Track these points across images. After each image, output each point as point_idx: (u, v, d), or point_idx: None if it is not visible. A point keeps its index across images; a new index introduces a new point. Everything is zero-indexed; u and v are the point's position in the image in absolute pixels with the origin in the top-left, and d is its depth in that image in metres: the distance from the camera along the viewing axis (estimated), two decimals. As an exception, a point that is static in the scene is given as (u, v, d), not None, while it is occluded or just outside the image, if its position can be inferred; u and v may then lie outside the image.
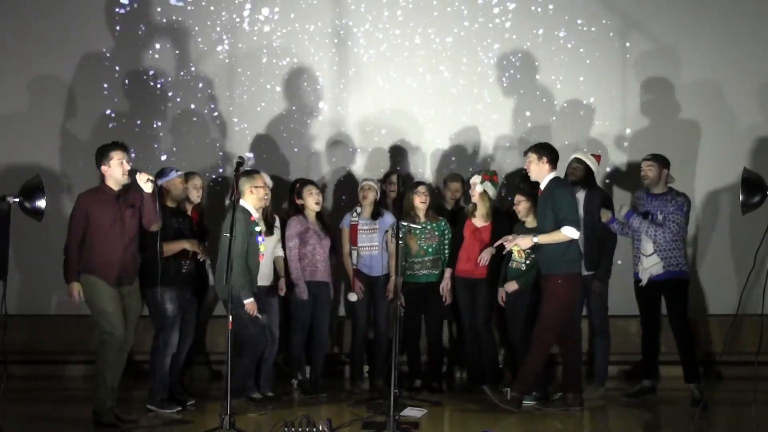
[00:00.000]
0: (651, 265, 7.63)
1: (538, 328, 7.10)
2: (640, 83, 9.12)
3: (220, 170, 9.09)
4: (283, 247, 7.89)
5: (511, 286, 7.64)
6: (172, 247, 7.16)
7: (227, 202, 8.02)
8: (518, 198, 7.75)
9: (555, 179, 7.20)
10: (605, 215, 7.76)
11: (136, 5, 9.14)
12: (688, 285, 7.76)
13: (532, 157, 7.22)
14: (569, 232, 7.03)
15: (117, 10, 9.12)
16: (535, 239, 7.12)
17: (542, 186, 7.23)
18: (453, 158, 9.18)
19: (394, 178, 8.60)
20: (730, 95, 9.08)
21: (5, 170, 8.87)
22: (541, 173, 7.20)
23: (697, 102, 9.11)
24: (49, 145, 9.01)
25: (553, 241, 7.06)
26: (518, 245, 7.34)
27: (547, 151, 7.21)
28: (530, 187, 7.75)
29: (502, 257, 7.79)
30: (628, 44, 9.12)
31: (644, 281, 7.67)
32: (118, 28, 9.12)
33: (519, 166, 9.08)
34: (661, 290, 7.68)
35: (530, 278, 7.60)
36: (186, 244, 7.27)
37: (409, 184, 8.58)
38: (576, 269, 7.17)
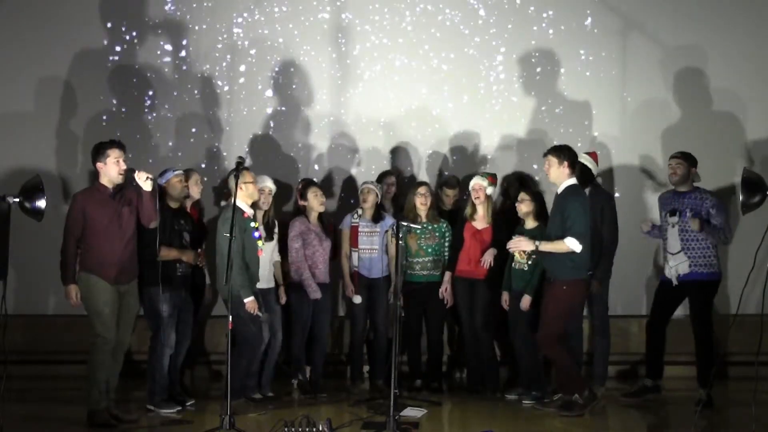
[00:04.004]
0: (677, 264, 7.58)
1: (541, 334, 7.08)
2: (641, 83, 9.11)
3: (220, 171, 9.07)
4: (281, 251, 7.90)
5: (526, 301, 7.56)
6: (168, 254, 7.15)
7: (222, 203, 8.03)
8: (522, 196, 7.73)
9: (571, 187, 7.14)
10: (646, 225, 7.74)
11: (135, 5, 9.13)
12: (716, 287, 7.68)
13: (552, 160, 7.15)
14: (571, 244, 6.98)
15: (117, 10, 9.11)
16: (537, 244, 7.08)
17: (558, 190, 7.20)
18: (452, 159, 9.17)
19: (391, 179, 8.59)
20: (730, 95, 9.07)
21: (5, 170, 8.86)
22: (561, 177, 7.15)
23: (697, 102, 9.10)
24: (49, 145, 9.00)
25: (555, 250, 7.03)
26: (520, 247, 7.28)
27: (567, 154, 7.16)
28: (520, 187, 7.81)
29: (504, 259, 7.79)
30: (628, 44, 9.12)
31: (674, 281, 7.59)
32: (117, 28, 9.10)
33: (518, 167, 9.10)
34: (687, 291, 7.61)
35: (535, 282, 7.57)
36: (182, 256, 7.27)
37: (406, 184, 8.58)
38: (582, 275, 7.14)
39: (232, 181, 7.19)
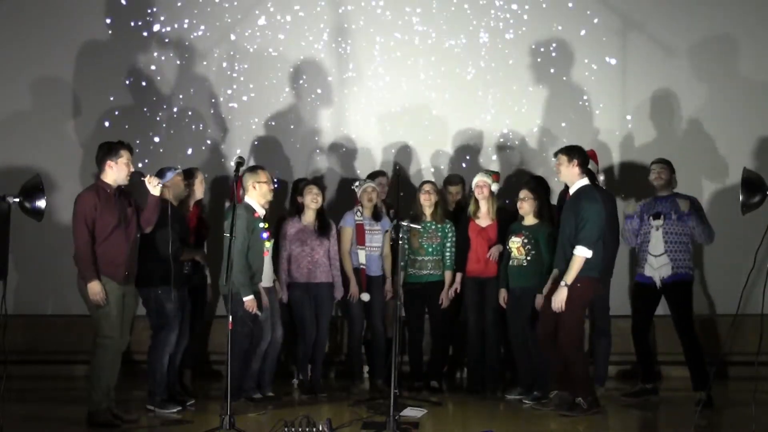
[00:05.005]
0: (661, 266, 7.63)
1: (564, 337, 7.05)
2: (641, 83, 9.11)
3: (220, 169, 9.09)
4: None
5: (540, 300, 7.49)
6: (189, 255, 7.28)
7: (227, 204, 8.02)
8: (524, 193, 7.72)
9: (585, 188, 7.13)
10: (631, 207, 7.81)
11: (136, 5, 9.14)
12: (692, 286, 7.79)
13: (563, 159, 7.15)
14: (581, 252, 6.96)
15: (117, 10, 9.12)
16: (565, 284, 6.98)
17: (571, 191, 7.20)
18: (453, 158, 9.18)
19: (382, 178, 8.59)
20: (729, 95, 9.08)
21: (5, 170, 8.87)
22: (572, 176, 7.15)
23: (697, 102, 9.11)
24: (49, 145, 9.01)
25: (576, 270, 6.97)
26: (561, 302, 7.00)
27: (577, 154, 7.16)
28: (536, 186, 7.80)
29: (507, 257, 7.79)
30: (628, 44, 9.12)
31: (658, 283, 7.64)
32: (118, 28, 9.12)
33: (519, 166, 9.12)
34: (665, 292, 7.67)
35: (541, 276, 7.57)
36: (196, 255, 7.41)
37: (404, 184, 8.58)
38: (595, 273, 7.11)
39: (246, 181, 7.20)
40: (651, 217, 7.72)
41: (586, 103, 9.16)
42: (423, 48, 9.18)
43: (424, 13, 9.19)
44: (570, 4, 9.16)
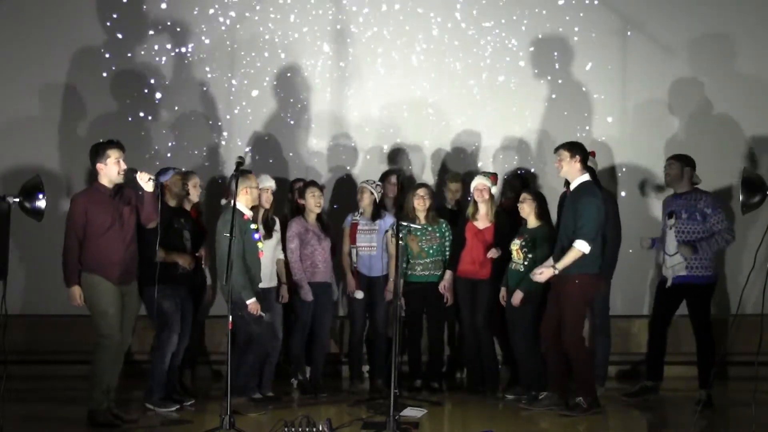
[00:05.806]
0: (674, 264, 7.59)
1: (566, 335, 7.07)
2: (641, 83, 9.11)
3: (220, 172, 9.08)
4: (284, 249, 7.92)
5: (517, 296, 7.59)
6: (166, 257, 7.16)
7: (223, 201, 8.02)
8: (523, 196, 7.74)
9: (585, 184, 7.14)
10: (646, 242, 7.89)
11: (135, 5, 9.13)
12: (714, 289, 7.73)
13: (564, 155, 7.15)
14: (581, 246, 6.98)
15: (117, 12, 9.11)
16: (556, 269, 7.04)
17: (572, 187, 7.21)
18: (453, 158, 9.17)
19: (393, 178, 8.61)
20: (728, 95, 9.07)
21: (5, 170, 8.87)
22: (573, 172, 7.16)
23: (697, 102, 9.11)
24: (50, 144, 9.01)
25: (571, 260, 7.00)
26: (544, 278, 7.12)
27: (579, 150, 7.17)
28: (522, 186, 7.85)
29: (507, 260, 7.79)
30: (628, 44, 9.12)
31: (669, 282, 7.62)
32: (116, 28, 9.10)
33: (518, 166, 9.11)
34: (684, 292, 7.62)
35: (534, 283, 7.57)
36: (179, 259, 7.30)
37: (408, 185, 8.60)
38: (593, 270, 7.12)
39: (239, 185, 7.20)
40: (666, 217, 7.71)
41: (586, 104, 9.15)
42: (422, 47, 9.16)
43: (424, 10, 9.17)
44: (570, 4, 9.15)
